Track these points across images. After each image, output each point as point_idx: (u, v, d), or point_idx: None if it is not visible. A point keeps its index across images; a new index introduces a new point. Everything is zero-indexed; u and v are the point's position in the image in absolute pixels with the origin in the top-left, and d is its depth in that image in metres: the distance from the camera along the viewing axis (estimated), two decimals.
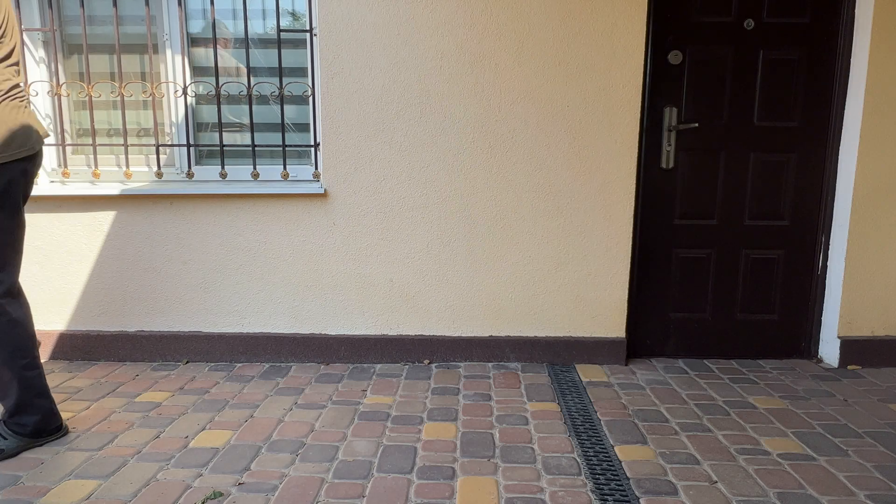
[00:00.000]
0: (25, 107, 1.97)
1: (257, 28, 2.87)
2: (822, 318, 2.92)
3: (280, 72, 2.82)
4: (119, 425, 2.23)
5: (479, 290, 2.85)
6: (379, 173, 2.77)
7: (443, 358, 2.89)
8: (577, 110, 2.71)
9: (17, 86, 1.95)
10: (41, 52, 2.88)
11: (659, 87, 2.77)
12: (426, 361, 2.89)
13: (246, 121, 2.90)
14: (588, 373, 2.77)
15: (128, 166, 2.90)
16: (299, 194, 2.78)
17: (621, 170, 2.74)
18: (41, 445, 2.07)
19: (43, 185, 2.87)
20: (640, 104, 2.70)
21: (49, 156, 2.93)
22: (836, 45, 2.76)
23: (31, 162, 1.95)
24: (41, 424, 2.05)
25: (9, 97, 1.92)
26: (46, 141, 2.92)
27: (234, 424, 2.25)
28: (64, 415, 2.31)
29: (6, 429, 2.02)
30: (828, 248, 2.88)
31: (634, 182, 2.75)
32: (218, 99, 2.85)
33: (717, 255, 2.90)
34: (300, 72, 2.89)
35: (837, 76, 2.77)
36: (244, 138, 2.91)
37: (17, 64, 1.97)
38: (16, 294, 1.97)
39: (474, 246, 2.81)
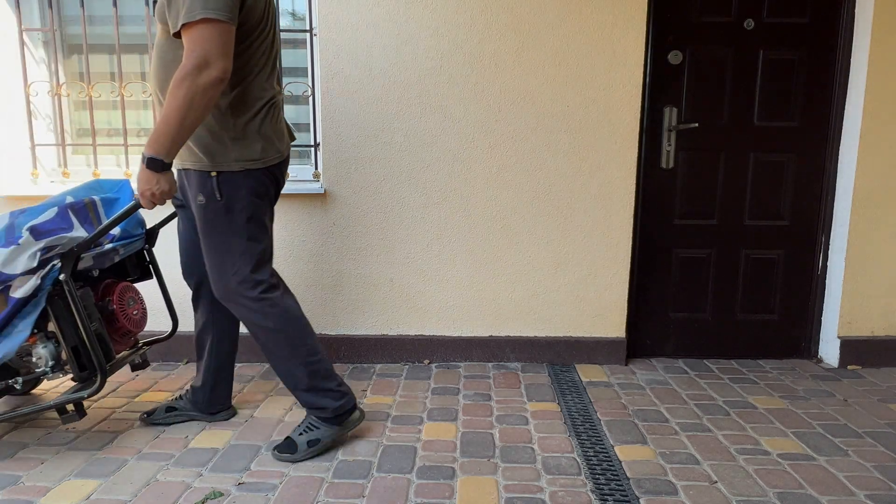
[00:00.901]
0: (278, 114, 1.95)
1: None
2: (822, 318, 2.92)
3: (280, 72, 2.82)
4: (119, 425, 2.24)
5: (479, 290, 2.85)
6: (379, 173, 2.77)
7: (443, 358, 2.89)
8: (577, 110, 2.71)
9: (274, 95, 1.92)
10: (41, 52, 2.88)
11: (659, 87, 2.77)
12: (426, 361, 2.89)
13: None
14: (588, 373, 2.77)
15: (128, 166, 2.90)
16: (299, 194, 2.78)
17: (621, 170, 2.74)
18: (349, 431, 2.06)
19: (43, 185, 2.87)
20: (640, 104, 2.70)
21: (49, 156, 2.93)
22: (836, 45, 2.76)
23: (279, 168, 1.95)
24: (339, 408, 2.01)
25: (268, 105, 1.89)
26: (46, 141, 2.92)
27: (234, 424, 2.25)
28: None
29: (314, 419, 2.02)
30: (828, 248, 2.88)
31: (634, 182, 2.75)
32: None
33: (717, 255, 2.90)
34: (300, 72, 2.89)
35: (837, 76, 2.77)
36: None
37: (274, 71, 1.93)
38: (278, 286, 1.96)
39: (474, 246, 2.81)
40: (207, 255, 1.91)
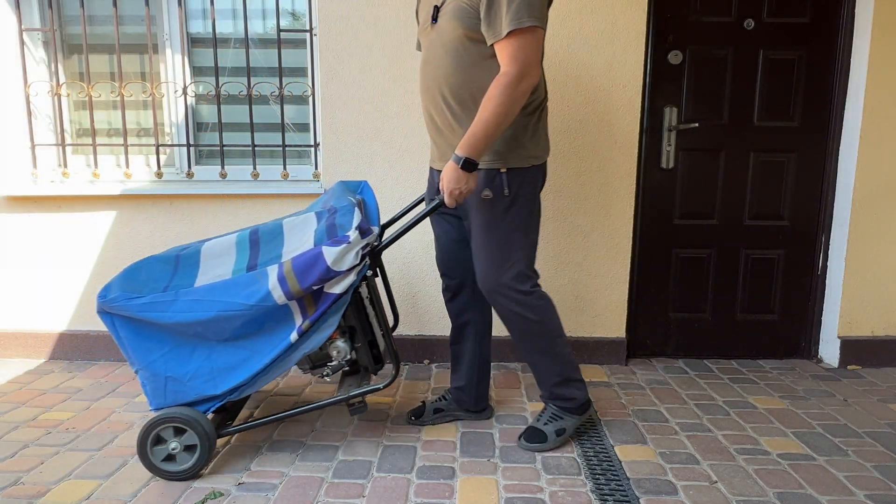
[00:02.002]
0: (544, 115, 1.98)
1: (257, 28, 2.87)
2: (822, 318, 2.92)
3: (280, 72, 2.82)
4: (119, 425, 2.24)
5: None
6: (379, 174, 2.77)
7: (443, 358, 2.89)
8: (577, 110, 2.71)
9: (546, 94, 1.97)
10: (41, 52, 2.88)
11: (659, 87, 2.77)
12: (426, 361, 2.89)
13: (246, 121, 2.90)
14: (588, 373, 2.77)
15: (128, 166, 2.90)
16: (299, 194, 2.78)
17: (621, 170, 2.74)
18: (583, 441, 2.10)
19: (43, 185, 2.87)
20: (640, 104, 2.70)
21: (49, 156, 2.93)
22: (836, 45, 2.76)
23: (544, 168, 1.98)
24: (582, 398, 2.06)
25: (545, 102, 1.94)
26: (46, 141, 2.92)
27: None
28: (64, 415, 2.32)
29: (558, 409, 2.06)
30: (828, 248, 2.88)
31: (634, 182, 2.75)
32: (218, 99, 2.85)
33: (717, 255, 2.90)
34: (300, 72, 2.89)
35: (837, 76, 2.77)
36: (244, 138, 2.91)
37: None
38: (537, 280, 2.01)
39: None
40: (484, 248, 1.93)
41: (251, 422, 1.93)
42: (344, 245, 1.74)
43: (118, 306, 1.77)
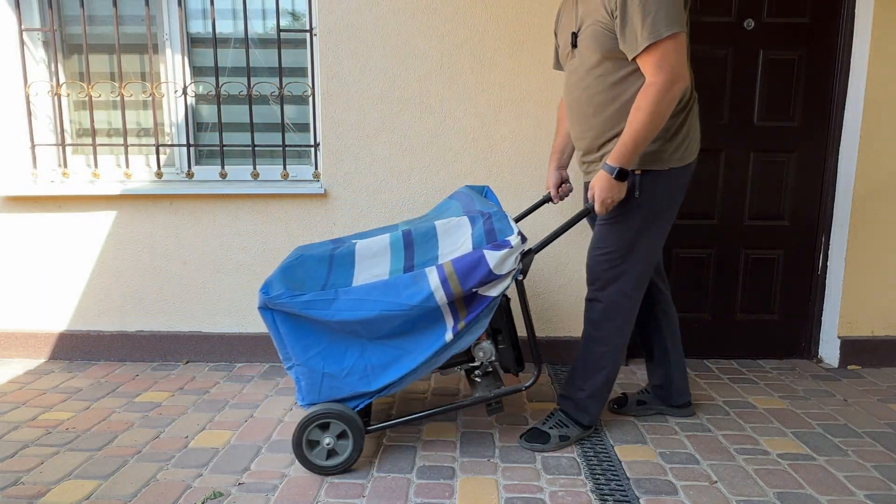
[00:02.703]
0: (697, 113, 1.99)
1: (257, 28, 2.87)
2: (822, 318, 2.92)
3: (280, 72, 2.82)
4: (119, 425, 2.24)
5: None
6: (379, 173, 2.77)
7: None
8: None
9: (694, 93, 1.98)
10: (41, 52, 2.88)
11: None
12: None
13: (246, 121, 2.90)
14: None
15: (128, 166, 2.90)
16: (299, 194, 2.78)
17: None
18: (583, 441, 2.11)
19: (43, 185, 2.87)
20: None
21: (49, 156, 2.93)
22: (836, 45, 2.76)
23: (691, 167, 1.98)
24: (596, 417, 2.09)
25: (693, 102, 1.96)
26: (46, 141, 2.92)
27: (234, 424, 2.25)
28: (64, 415, 2.32)
29: (567, 417, 2.08)
30: (828, 248, 2.87)
31: None
32: (218, 99, 2.85)
33: (717, 255, 2.90)
34: (300, 72, 2.89)
35: (837, 76, 2.77)
36: (244, 138, 2.91)
37: None
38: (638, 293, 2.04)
39: None
40: (605, 247, 1.97)
41: (394, 420, 1.97)
42: (507, 249, 1.79)
43: (282, 303, 1.79)
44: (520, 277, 1.88)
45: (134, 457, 2.00)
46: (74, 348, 2.90)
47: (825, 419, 2.29)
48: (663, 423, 2.25)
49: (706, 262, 2.90)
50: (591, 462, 1.97)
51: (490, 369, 2.09)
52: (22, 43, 2.81)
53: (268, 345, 2.88)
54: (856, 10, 2.70)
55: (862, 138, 2.71)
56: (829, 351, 2.89)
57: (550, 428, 2.07)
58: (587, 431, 2.10)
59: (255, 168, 2.87)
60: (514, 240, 1.80)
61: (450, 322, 1.85)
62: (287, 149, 2.90)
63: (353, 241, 2.07)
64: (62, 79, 2.90)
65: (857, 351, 2.83)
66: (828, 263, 2.88)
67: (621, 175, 1.81)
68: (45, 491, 1.80)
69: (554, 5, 2.64)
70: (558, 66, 2.20)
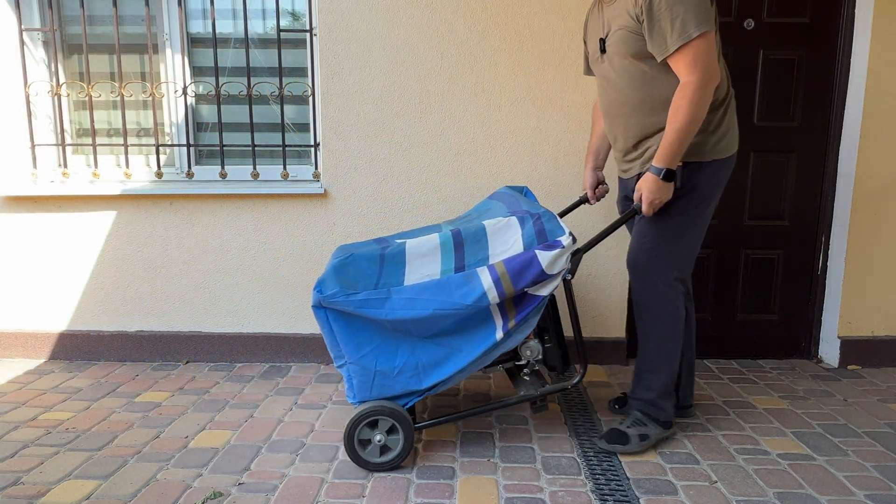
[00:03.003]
0: (734, 106, 2.02)
1: (257, 28, 2.87)
2: (822, 318, 2.92)
3: (280, 72, 2.82)
4: (119, 425, 2.24)
5: None
6: (379, 173, 2.77)
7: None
8: (577, 110, 2.71)
9: (730, 86, 2.00)
10: (41, 52, 2.88)
11: None
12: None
13: (246, 121, 2.89)
14: (588, 373, 2.77)
15: (128, 166, 2.90)
16: (299, 194, 2.78)
17: None
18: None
19: (43, 185, 2.87)
20: None
21: (49, 156, 2.93)
22: (836, 45, 2.76)
23: (732, 160, 2.00)
24: (670, 413, 2.08)
25: (730, 96, 1.98)
26: (46, 141, 2.92)
27: (234, 424, 2.25)
28: (64, 415, 2.32)
29: (643, 415, 2.07)
30: (828, 248, 2.87)
31: None
32: (218, 99, 2.85)
33: (717, 255, 2.90)
34: (300, 72, 2.89)
35: (837, 76, 2.77)
36: (244, 138, 2.91)
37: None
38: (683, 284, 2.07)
39: None
40: (641, 232, 2.00)
41: (439, 418, 1.99)
42: (559, 249, 1.81)
43: (337, 302, 1.82)
44: (568, 277, 1.90)
45: (134, 457, 2.00)
46: (74, 348, 2.90)
47: (825, 419, 2.29)
48: None
49: (706, 262, 2.90)
50: (591, 462, 1.97)
51: (536, 367, 2.11)
52: (22, 43, 2.81)
53: (268, 344, 2.88)
54: (856, 10, 2.70)
55: (862, 138, 2.71)
56: (829, 351, 2.89)
57: (629, 427, 2.05)
58: (667, 430, 2.08)
59: (255, 168, 2.87)
60: (565, 240, 1.82)
61: (499, 321, 1.88)
62: (287, 149, 2.90)
63: (402, 241, 2.09)
64: (62, 79, 2.90)
65: (857, 351, 2.83)
66: (828, 263, 2.88)
67: (668, 175, 1.85)
68: (45, 491, 1.80)
69: (554, 4, 2.64)
70: (589, 71, 2.24)
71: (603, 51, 1.99)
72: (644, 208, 1.91)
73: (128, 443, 2.10)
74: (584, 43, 2.18)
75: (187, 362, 2.90)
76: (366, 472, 1.91)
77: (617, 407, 2.33)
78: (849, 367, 2.83)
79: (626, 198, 2.20)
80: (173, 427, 2.22)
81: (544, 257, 1.80)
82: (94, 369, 2.80)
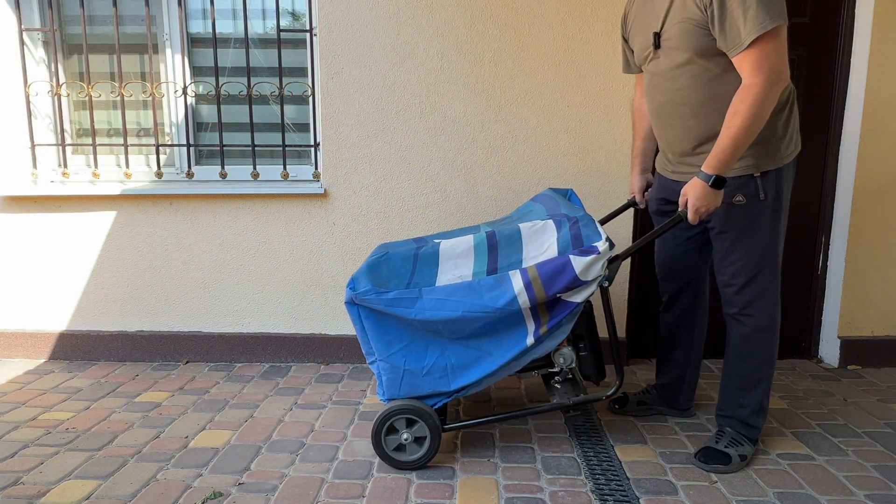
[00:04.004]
0: (797, 105, 1.92)
1: (257, 28, 2.87)
2: (822, 318, 2.92)
3: (280, 72, 2.82)
4: (119, 425, 2.24)
5: None
6: (379, 173, 2.77)
7: None
8: (577, 110, 2.71)
9: (792, 86, 1.91)
10: (41, 52, 2.88)
11: None
12: None
13: (246, 121, 2.89)
14: None
15: (128, 166, 2.90)
16: (299, 194, 2.78)
17: (622, 170, 2.74)
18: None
19: (43, 185, 2.87)
20: None
21: (49, 156, 2.93)
22: (836, 45, 2.76)
23: (795, 163, 1.93)
24: (760, 430, 2.01)
25: (794, 96, 1.90)
26: (46, 141, 2.92)
27: (234, 424, 2.25)
28: (64, 415, 2.32)
29: (740, 434, 1.98)
30: (828, 248, 2.87)
31: None
32: (218, 99, 2.85)
33: None
34: (300, 72, 2.89)
35: (837, 76, 2.77)
36: (244, 138, 2.91)
37: None
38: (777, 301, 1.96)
39: None
40: (738, 255, 1.88)
41: (469, 420, 1.98)
42: (594, 255, 1.77)
43: (369, 299, 1.82)
44: (605, 284, 1.85)
45: (134, 457, 2.00)
46: (74, 348, 2.90)
47: (825, 419, 2.29)
48: (663, 423, 2.25)
49: None
50: (591, 462, 1.97)
51: (570, 376, 2.08)
52: (22, 43, 2.81)
53: (268, 344, 2.88)
54: (856, 10, 2.70)
55: (862, 138, 2.71)
56: (829, 351, 2.89)
57: (726, 447, 1.95)
58: (755, 447, 2.01)
59: (255, 168, 2.87)
60: (601, 246, 1.78)
61: (531, 326, 1.85)
62: (287, 149, 2.90)
63: (437, 241, 2.09)
64: (62, 79, 2.90)
65: (857, 351, 2.83)
66: (828, 263, 2.88)
67: (718, 183, 1.73)
68: (45, 491, 1.80)
69: (555, 4, 2.64)
70: (629, 69, 2.14)
71: (657, 46, 1.84)
72: (690, 216, 1.79)
73: (128, 443, 2.10)
74: (625, 39, 2.06)
75: (187, 362, 2.90)
76: (366, 472, 1.91)
77: (617, 407, 2.33)
78: (849, 367, 2.83)
79: (665, 200, 2.09)
80: (173, 427, 2.22)
81: (578, 263, 1.76)
82: (94, 369, 2.80)
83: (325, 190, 2.77)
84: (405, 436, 1.91)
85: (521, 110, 2.72)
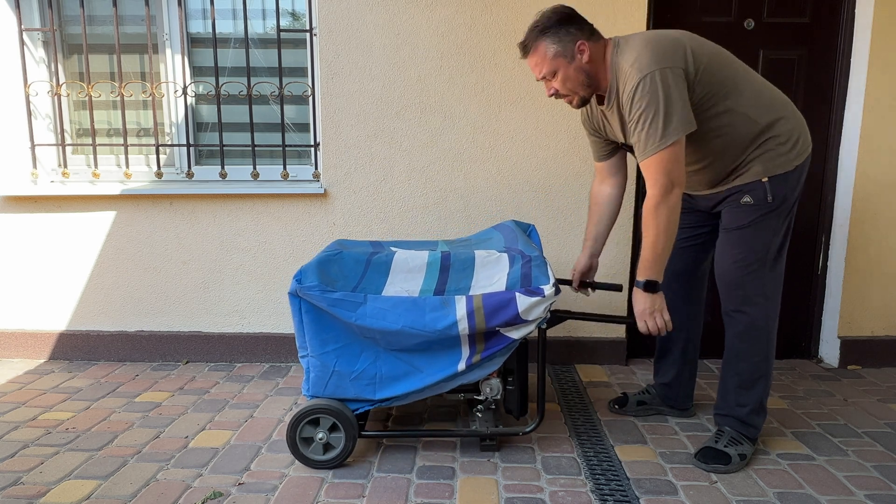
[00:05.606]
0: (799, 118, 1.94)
1: (257, 28, 2.87)
2: (822, 318, 2.92)
3: (280, 72, 2.82)
4: (119, 425, 2.24)
5: None
6: (379, 173, 2.77)
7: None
8: (576, 111, 2.70)
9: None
10: (41, 52, 2.88)
11: None
12: None
13: (246, 121, 2.89)
14: (588, 373, 2.77)
15: (128, 166, 2.90)
16: (299, 194, 2.78)
17: None
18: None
19: (43, 185, 2.87)
20: None
21: (49, 156, 2.93)
22: (836, 45, 2.76)
23: (808, 162, 1.93)
24: (760, 429, 2.01)
25: (790, 108, 1.91)
26: (46, 141, 2.92)
27: (234, 424, 2.25)
28: (64, 415, 2.32)
29: (738, 434, 1.98)
30: (828, 248, 2.87)
31: (634, 182, 2.75)
32: (218, 99, 2.85)
33: None
34: (300, 72, 2.89)
35: (837, 76, 2.77)
36: (244, 138, 2.91)
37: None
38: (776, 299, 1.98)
39: None
40: (738, 251, 1.91)
41: (389, 431, 2.01)
42: (538, 297, 1.80)
43: (313, 295, 1.83)
44: (544, 326, 1.89)
45: (134, 457, 2.00)
46: (74, 348, 2.90)
47: (825, 419, 2.29)
48: (663, 423, 2.25)
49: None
50: (591, 462, 1.97)
51: (493, 406, 2.09)
52: (22, 43, 2.81)
53: (268, 344, 2.88)
54: (856, 10, 2.70)
55: (862, 138, 2.71)
56: (829, 351, 2.89)
57: (726, 446, 1.95)
58: (755, 446, 2.01)
59: (255, 168, 2.87)
60: (547, 290, 1.81)
61: (465, 352, 1.87)
62: (287, 149, 2.90)
63: (394, 250, 2.09)
64: (62, 79, 2.90)
65: (857, 351, 2.83)
66: (828, 263, 2.88)
67: (650, 287, 1.81)
68: (45, 491, 1.80)
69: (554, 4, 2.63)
70: (601, 158, 2.12)
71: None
72: (640, 325, 1.86)
73: (128, 443, 2.10)
74: (591, 134, 2.08)
75: (187, 362, 2.90)
76: (366, 472, 1.91)
77: (616, 407, 2.33)
78: (849, 367, 2.83)
79: (695, 210, 2.09)
80: (173, 427, 2.22)
81: (523, 301, 1.80)
82: (94, 369, 2.80)
83: (324, 190, 2.77)
84: (320, 435, 1.91)
85: (521, 110, 2.72)
